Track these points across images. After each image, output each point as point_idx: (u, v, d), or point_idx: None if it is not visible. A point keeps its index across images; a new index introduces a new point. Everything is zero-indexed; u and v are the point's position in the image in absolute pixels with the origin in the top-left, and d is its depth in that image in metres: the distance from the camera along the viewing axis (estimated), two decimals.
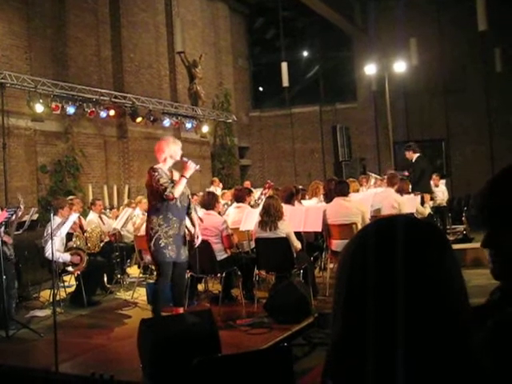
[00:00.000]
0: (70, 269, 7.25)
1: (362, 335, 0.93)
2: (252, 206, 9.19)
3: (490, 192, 1.15)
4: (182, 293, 5.78)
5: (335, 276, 1.04)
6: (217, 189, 13.10)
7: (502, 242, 1.11)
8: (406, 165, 10.48)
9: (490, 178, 1.17)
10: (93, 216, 8.79)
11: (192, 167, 5.56)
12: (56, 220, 6.83)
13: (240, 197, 7.89)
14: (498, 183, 1.15)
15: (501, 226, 1.11)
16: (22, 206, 7.03)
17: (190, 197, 5.75)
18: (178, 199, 5.46)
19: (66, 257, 7.17)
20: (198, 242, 5.82)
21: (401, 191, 8.58)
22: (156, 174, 5.39)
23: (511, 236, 1.09)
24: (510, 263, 1.11)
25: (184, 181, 5.49)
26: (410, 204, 8.35)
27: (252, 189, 11.29)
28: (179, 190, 5.42)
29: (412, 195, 8.90)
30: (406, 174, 9.96)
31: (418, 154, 10.11)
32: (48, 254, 6.76)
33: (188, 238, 5.72)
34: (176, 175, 5.61)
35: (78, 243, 7.57)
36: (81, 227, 8.00)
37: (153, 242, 5.37)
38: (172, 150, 5.57)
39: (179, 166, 5.76)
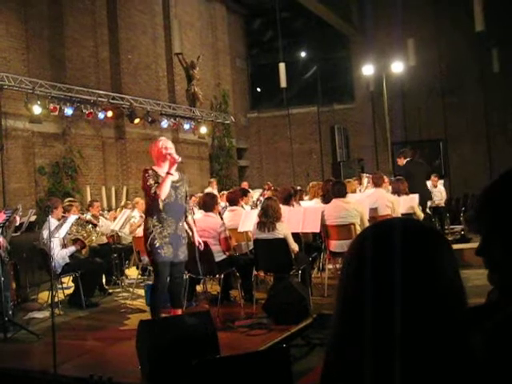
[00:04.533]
0: (79, 255, 7.49)
1: (360, 336, 0.93)
2: (251, 207, 9.20)
3: (482, 199, 1.15)
4: (180, 294, 5.75)
5: (339, 279, 1.04)
6: (214, 190, 13.10)
7: (492, 250, 1.11)
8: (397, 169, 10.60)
9: (486, 185, 1.17)
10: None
11: (174, 161, 5.39)
12: (51, 221, 6.82)
13: (233, 200, 7.86)
14: (491, 191, 1.15)
15: (491, 233, 1.12)
16: (18, 217, 7.09)
17: (187, 198, 5.65)
18: (174, 198, 5.40)
19: (72, 248, 7.34)
20: (200, 247, 5.90)
21: (398, 192, 8.58)
22: (146, 175, 5.35)
23: (500, 244, 1.09)
24: (500, 271, 1.11)
25: (169, 177, 5.34)
26: (405, 204, 8.36)
27: (250, 190, 11.30)
28: (165, 187, 5.29)
29: (410, 196, 8.91)
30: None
31: (407, 160, 10.27)
32: (56, 255, 6.95)
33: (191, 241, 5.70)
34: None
35: (81, 231, 7.67)
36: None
37: (148, 243, 5.35)
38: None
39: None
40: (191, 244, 5.81)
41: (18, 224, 7.45)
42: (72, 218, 7.40)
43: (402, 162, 10.33)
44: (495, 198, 1.12)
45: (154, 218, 5.35)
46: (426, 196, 10.18)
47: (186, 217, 5.63)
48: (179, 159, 5.41)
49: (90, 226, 7.90)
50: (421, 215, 8.68)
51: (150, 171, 5.40)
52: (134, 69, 14.53)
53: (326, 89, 20.17)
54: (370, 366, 0.92)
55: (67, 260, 7.26)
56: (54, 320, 4.74)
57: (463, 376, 0.92)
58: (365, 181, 11.33)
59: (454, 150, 17.71)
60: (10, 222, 6.68)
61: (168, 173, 5.35)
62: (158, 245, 5.33)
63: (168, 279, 5.53)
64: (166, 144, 5.49)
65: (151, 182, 5.32)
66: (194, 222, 6.03)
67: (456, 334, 0.94)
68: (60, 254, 7.12)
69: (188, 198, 5.71)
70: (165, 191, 5.29)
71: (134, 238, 8.04)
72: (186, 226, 5.70)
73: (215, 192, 12.15)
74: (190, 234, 5.76)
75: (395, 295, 0.92)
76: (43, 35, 12.09)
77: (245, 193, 9.38)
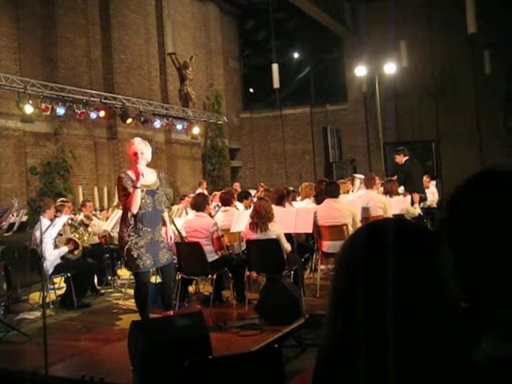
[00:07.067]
0: (71, 256, 7.39)
1: (353, 335, 0.93)
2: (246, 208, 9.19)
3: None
4: (170, 295, 5.72)
5: (331, 280, 1.04)
6: (204, 191, 13.07)
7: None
8: (395, 168, 10.59)
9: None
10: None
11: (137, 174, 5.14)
12: (43, 221, 6.79)
13: (226, 200, 7.84)
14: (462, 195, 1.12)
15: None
16: (14, 212, 7.03)
17: (167, 200, 5.44)
18: (151, 207, 5.25)
19: (64, 249, 7.27)
20: (171, 242, 5.69)
21: (390, 192, 8.60)
22: (121, 182, 5.20)
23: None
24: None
25: (137, 192, 5.12)
26: (397, 205, 8.38)
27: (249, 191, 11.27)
28: (135, 202, 5.12)
29: (401, 196, 8.94)
30: (394, 178, 10.05)
31: (406, 158, 10.22)
32: (49, 256, 6.88)
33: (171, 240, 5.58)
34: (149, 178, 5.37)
35: (73, 233, 7.63)
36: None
37: (125, 253, 5.26)
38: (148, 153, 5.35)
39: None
40: (187, 244, 5.76)
41: (12, 221, 7.40)
42: (63, 218, 7.37)
43: (401, 159, 10.25)
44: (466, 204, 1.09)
45: (130, 227, 5.22)
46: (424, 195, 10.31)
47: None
48: (142, 174, 5.12)
49: (82, 226, 7.87)
50: (415, 212, 8.70)
51: (124, 178, 5.22)
52: (127, 69, 14.49)
53: (319, 90, 20.19)
54: (363, 366, 0.92)
55: (59, 261, 7.23)
56: (46, 321, 4.71)
57: (457, 378, 0.92)
58: (357, 182, 11.35)
59: (446, 151, 17.77)
60: (1, 222, 6.65)
61: (134, 186, 5.13)
62: (135, 255, 5.21)
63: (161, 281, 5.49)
64: (136, 149, 5.21)
65: (122, 191, 5.20)
66: (167, 221, 5.76)
67: (450, 334, 0.94)
68: (53, 255, 7.09)
69: (168, 200, 5.48)
70: (135, 205, 5.13)
71: None
72: (174, 227, 5.61)
73: (205, 192, 12.12)
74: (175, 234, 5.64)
75: (388, 295, 0.92)
76: (35, 34, 12.04)
77: (246, 196, 9.28)
